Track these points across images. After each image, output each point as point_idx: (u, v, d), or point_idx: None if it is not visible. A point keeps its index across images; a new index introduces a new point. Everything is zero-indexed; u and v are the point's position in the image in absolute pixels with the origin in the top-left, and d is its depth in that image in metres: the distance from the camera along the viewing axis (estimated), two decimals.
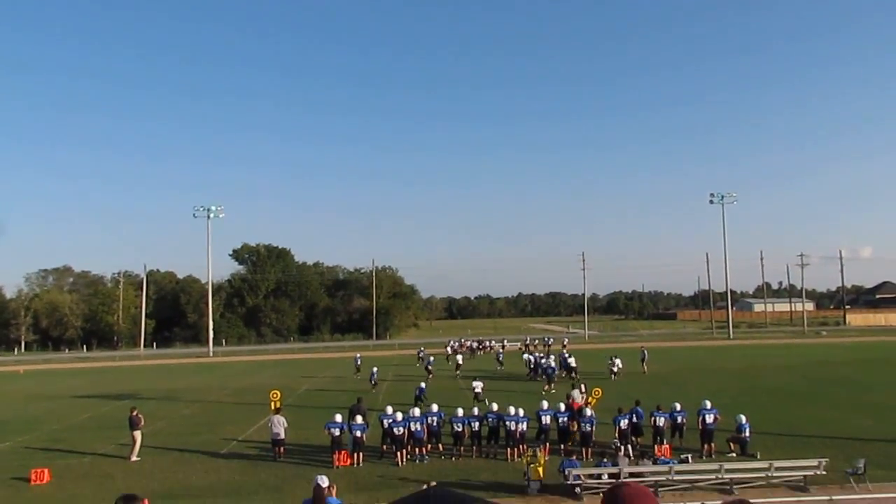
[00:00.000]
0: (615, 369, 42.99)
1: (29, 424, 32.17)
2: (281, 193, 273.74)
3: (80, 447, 25.92)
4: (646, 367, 45.23)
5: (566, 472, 17.30)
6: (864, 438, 23.02)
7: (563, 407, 23.13)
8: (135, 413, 24.15)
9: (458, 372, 48.29)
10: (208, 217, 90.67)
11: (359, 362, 51.91)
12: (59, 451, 25.52)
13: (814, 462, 17.46)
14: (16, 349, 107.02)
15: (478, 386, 34.26)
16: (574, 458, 19.07)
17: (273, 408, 24.75)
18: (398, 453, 21.33)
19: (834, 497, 13.35)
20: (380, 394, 37.38)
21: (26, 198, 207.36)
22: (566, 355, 47.14)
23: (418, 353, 60.86)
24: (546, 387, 38.02)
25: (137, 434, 23.73)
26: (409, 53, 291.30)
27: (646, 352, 47.03)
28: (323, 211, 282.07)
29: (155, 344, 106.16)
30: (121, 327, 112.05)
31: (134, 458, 23.21)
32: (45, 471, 20.96)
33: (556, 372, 42.43)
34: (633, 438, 22.45)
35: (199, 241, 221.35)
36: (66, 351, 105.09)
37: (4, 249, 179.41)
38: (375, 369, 43.75)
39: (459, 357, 53.34)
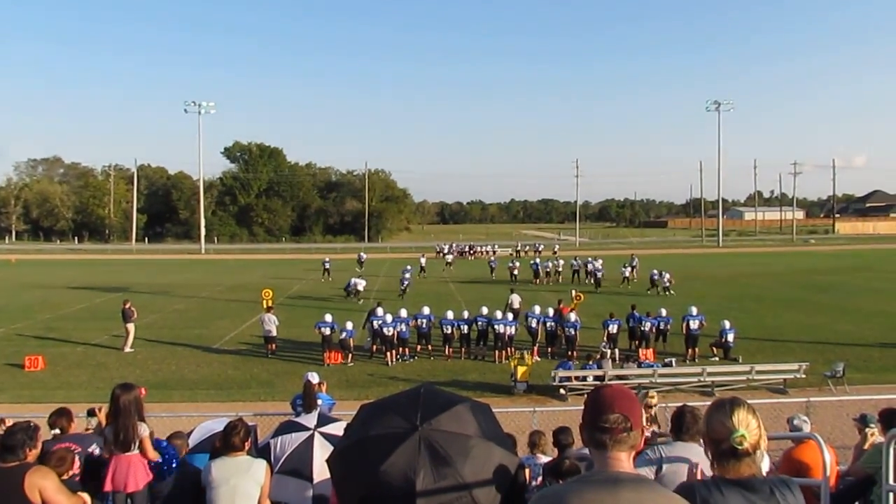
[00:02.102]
0: (627, 274, 43.26)
1: (22, 312, 32.53)
2: (273, 92, 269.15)
3: (73, 336, 26.30)
4: (636, 275, 45.61)
5: (552, 374, 17.70)
6: (844, 343, 23.55)
7: (551, 311, 23.44)
8: (128, 305, 24.36)
9: (422, 272, 49.64)
10: (199, 113, 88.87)
11: (327, 265, 49.12)
12: (53, 339, 25.90)
13: (794, 366, 17.91)
14: (7, 238, 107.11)
15: (360, 284, 35.89)
16: (569, 361, 19.53)
17: (265, 306, 24.99)
18: (388, 353, 21.74)
19: (811, 399, 13.71)
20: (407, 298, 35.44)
21: (11, 86, 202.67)
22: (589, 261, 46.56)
23: (359, 258, 55.91)
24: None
25: (131, 326, 24.04)
26: None
27: (636, 259, 47.37)
28: (316, 111, 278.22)
29: (146, 239, 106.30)
30: (112, 221, 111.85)
31: (127, 349, 23.57)
32: (39, 357, 21.31)
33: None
34: (632, 342, 22.82)
35: (190, 137, 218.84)
36: (58, 242, 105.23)
37: None
38: (408, 274, 40.29)
39: (424, 259, 53.01)
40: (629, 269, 43.69)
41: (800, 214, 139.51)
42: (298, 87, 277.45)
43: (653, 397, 9.14)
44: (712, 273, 51.09)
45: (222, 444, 5.53)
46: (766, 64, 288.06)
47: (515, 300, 27.16)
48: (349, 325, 22.09)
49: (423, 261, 52.30)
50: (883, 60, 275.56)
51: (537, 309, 23.42)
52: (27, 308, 34.15)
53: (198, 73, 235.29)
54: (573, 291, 29.46)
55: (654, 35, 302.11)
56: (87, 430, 7.69)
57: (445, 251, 69.24)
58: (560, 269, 47.04)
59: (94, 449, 6.53)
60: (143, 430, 6.28)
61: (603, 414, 2.24)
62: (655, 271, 40.43)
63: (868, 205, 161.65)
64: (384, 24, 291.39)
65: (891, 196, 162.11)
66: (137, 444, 6.22)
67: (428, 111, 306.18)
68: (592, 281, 42.40)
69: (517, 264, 47.45)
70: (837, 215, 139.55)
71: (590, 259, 47.22)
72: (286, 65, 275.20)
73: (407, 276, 39.12)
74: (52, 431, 6.81)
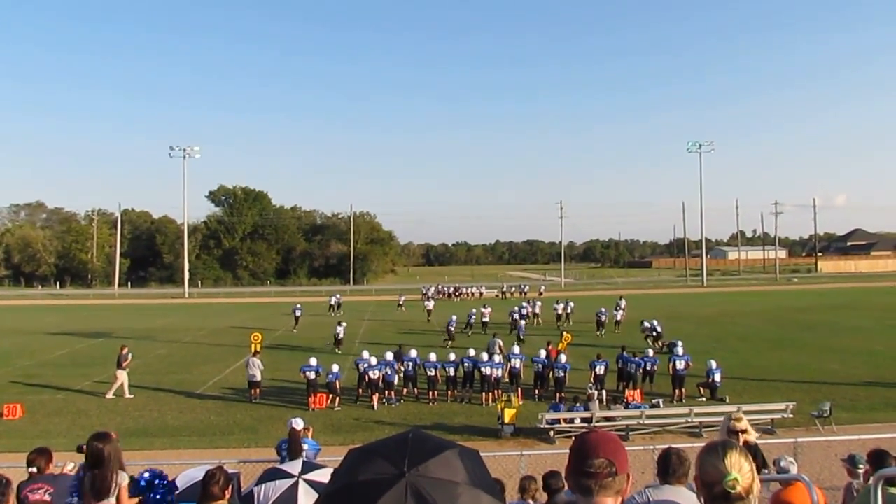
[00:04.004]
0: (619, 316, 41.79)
1: (1, 359, 31.94)
2: (258, 136, 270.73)
3: (53, 383, 25.85)
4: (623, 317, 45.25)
5: (540, 417, 17.58)
6: (830, 382, 23.60)
7: (542, 353, 23.35)
8: (124, 351, 24.07)
9: (429, 318, 47.18)
10: (184, 157, 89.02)
11: (298, 313, 44.80)
12: (33, 386, 25.44)
13: (781, 405, 17.90)
14: None
15: (339, 331, 34.19)
16: (559, 403, 19.45)
17: (252, 349, 24.74)
18: (372, 396, 21.56)
19: (799, 439, 13.67)
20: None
21: None
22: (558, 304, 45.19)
23: (331, 299, 56.53)
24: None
25: (121, 373, 23.62)
26: None
27: (624, 301, 47.00)
28: (301, 155, 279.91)
29: (129, 283, 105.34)
30: (95, 265, 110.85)
31: (109, 395, 23.22)
32: (18, 406, 20.88)
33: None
34: (620, 383, 22.74)
35: (174, 181, 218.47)
36: (39, 287, 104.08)
37: None
38: (454, 317, 38.04)
39: (431, 303, 51.21)
40: (620, 312, 42.31)
41: (782, 253, 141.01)
42: (284, 131, 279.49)
43: (739, 420, 6.34)
44: (697, 312, 51.24)
45: (201, 493, 5.42)
46: (747, 106, 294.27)
47: (495, 345, 26.05)
48: (335, 368, 21.97)
49: (429, 305, 49.90)
50: (861, 101, 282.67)
51: (517, 349, 23.39)
52: (6, 355, 33.54)
53: (183, 117, 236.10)
54: (564, 332, 29.49)
55: (637, 77, 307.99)
56: (65, 469, 7.54)
57: (430, 293, 68.86)
58: (539, 312, 45.39)
59: (73, 500, 6.38)
60: (122, 478, 6.15)
61: (588, 459, 2.23)
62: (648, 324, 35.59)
63: (849, 243, 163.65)
64: (369, 68, 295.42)
65: (871, 235, 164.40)
66: (116, 492, 6.08)
67: (413, 153, 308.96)
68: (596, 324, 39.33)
69: (489, 309, 43.13)
70: (819, 254, 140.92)
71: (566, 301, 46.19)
72: (271, 109, 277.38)
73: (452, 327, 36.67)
74: (29, 469, 6.70)
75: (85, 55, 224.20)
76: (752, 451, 6.33)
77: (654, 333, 33.79)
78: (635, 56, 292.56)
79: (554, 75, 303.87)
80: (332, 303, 55.99)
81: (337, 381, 21.71)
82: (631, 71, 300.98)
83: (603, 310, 40.42)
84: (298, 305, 46.72)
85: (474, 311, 42.86)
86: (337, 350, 32.10)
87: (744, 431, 6.35)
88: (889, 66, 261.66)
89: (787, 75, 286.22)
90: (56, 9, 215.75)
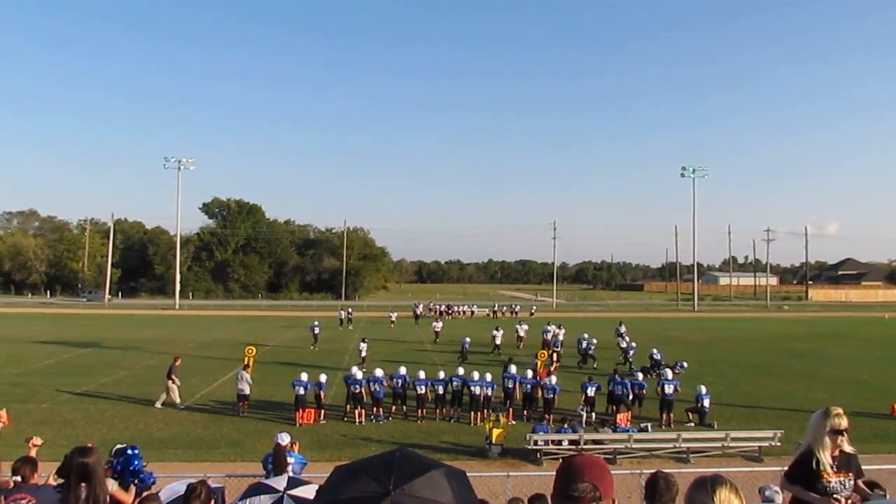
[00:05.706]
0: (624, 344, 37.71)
1: None
2: (254, 149, 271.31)
3: (40, 392, 25.66)
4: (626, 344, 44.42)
5: (527, 437, 17.52)
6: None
7: (529, 374, 23.31)
8: (177, 363, 24.08)
9: (436, 339, 45.89)
10: (179, 169, 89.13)
11: (317, 331, 43.51)
12: (19, 394, 25.17)
13: (769, 433, 17.89)
14: None
15: (363, 348, 33.97)
16: (545, 424, 19.39)
17: (245, 363, 24.63)
18: (355, 411, 21.55)
19: (786, 467, 13.66)
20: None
21: None
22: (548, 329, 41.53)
23: (341, 313, 59.38)
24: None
25: (171, 384, 23.53)
26: (385, 4, 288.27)
27: (624, 326, 46.00)
28: (295, 169, 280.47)
29: (120, 293, 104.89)
30: (86, 275, 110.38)
31: (158, 405, 23.19)
32: (2, 413, 20.61)
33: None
34: (609, 406, 22.59)
35: (168, 192, 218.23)
36: (29, 295, 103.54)
37: None
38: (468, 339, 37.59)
39: (439, 324, 48.90)
40: (625, 339, 38.38)
41: (773, 280, 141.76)
42: (280, 145, 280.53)
43: (841, 416, 5.18)
44: (687, 337, 51.29)
45: None
46: (742, 133, 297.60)
47: (513, 368, 23.97)
48: (322, 378, 21.94)
49: (437, 326, 48.04)
50: (856, 134, 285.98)
51: (513, 368, 23.33)
52: None
53: (178, 129, 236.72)
54: (555, 355, 29.45)
55: (632, 101, 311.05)
56: (49, 480, 7.50)
57: (420, 311, 68.76)
58: (524, 335, 43.08)
59: None
60: (111, 485, 6.14)
61: (573, 483, 2.23)
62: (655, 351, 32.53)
63: (840, 272, 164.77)
64: (366, 85, 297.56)
65: (862, 264, 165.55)
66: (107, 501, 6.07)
67: (408, 171, 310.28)
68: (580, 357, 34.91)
69: (501, 331, 40.86)
70: (810, 282, 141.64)
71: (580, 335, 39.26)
72: (268, 122, 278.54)
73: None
74: (14, 478, 6.64)
75: (82, 66, 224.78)
76: (848, 460, 5.16)
77: (627, 355, 34.03)
78: (630, 79, 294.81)
79: (549, 95, 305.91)
80: (342, 317, 58.00)
81: (322, 392, 21.69)
82: (627, 93, 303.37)
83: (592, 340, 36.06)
84: (316, 322, 45.26)
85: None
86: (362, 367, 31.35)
87: (846, 430, 5.09)
88: (887, 107, 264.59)
89: (784, 105, 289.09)
90: (53, 18, 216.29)
